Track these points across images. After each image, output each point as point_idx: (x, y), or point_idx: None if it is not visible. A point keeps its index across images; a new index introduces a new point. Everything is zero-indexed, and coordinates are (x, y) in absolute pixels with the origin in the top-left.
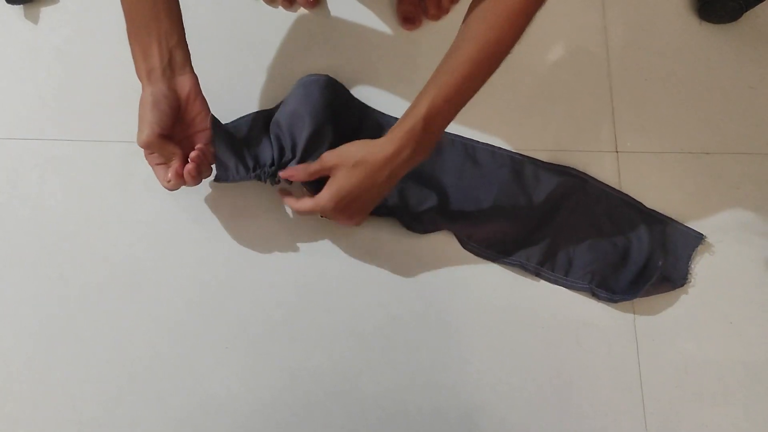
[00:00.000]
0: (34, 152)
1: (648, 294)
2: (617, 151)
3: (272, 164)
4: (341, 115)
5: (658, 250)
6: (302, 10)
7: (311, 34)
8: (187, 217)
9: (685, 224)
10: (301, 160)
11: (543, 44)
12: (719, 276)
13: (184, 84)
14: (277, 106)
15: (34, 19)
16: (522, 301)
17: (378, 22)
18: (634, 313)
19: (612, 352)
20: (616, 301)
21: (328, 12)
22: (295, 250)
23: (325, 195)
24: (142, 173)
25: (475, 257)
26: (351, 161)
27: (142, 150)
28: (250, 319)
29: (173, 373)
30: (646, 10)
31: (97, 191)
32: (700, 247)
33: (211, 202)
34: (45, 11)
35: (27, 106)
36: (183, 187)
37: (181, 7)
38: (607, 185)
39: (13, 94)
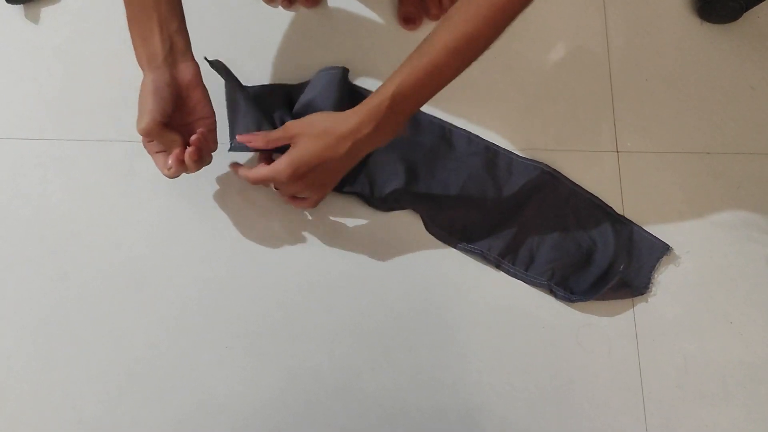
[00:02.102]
0: (35, 152)
1: (606, 298)
2: (617, 151)
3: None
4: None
5: (622, 255)
6: (302, 10)
7: (311, 34)
8: (188, 216)
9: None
10: None
11: (544, 44)
12: (719, 276)
13: (185, 71)
14: (298, 85)
15: (35, 19)
16: (522, 301)
17: (378, 22)
18: (634, 313)
19: (612, 352)
20: (573, 301)
21: (329, 12)
22: (296, 249)
23: (283, 161)
24: (143, 172)
25: (475, 257)
26: (314, 130)
27: (143, 150)
28: (251, 319)
29: (174, 372)
30: (647, 10)
31: (99, 191)
32: (665, 258)
33: (212, 201)
34: (45, 11)
35: (28, 106)
36: (181, 187)
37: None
38: (578, 185)
39: (13, 94)
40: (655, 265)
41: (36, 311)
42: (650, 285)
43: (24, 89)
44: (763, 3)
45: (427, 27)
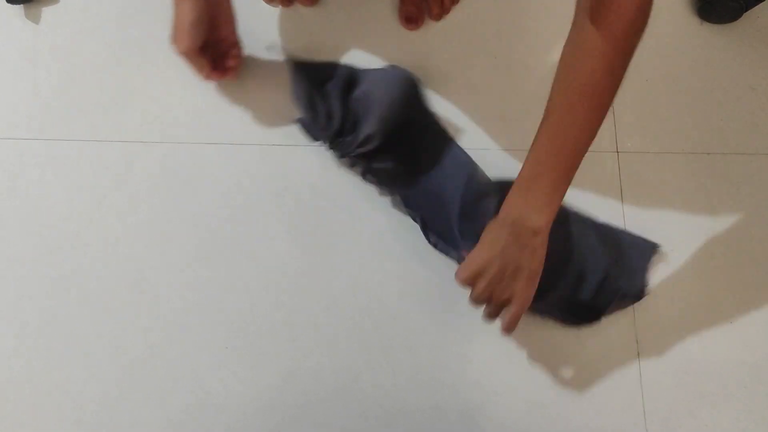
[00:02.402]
0: (33, 152)
1: (611, 312)
2: (617, 151)
3: (338, 134)
4: (409, 117)
5: (613, 265)
6: (302, 9)
7: (311, 34)
8: (187, 216)
9: (641, 235)
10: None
11: (544, 44)
12: (719, 276)
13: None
14: (356, 73)
15: (35, 19)
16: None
17: (379, 22)
18: (634, 313)
19: (612, 352)
20: (592, 323)
21: (329, 11)
22: (295, 249)
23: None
24: (142, 173)
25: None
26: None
27: (140, 150)
28: (250, 319)
29: (173, 372)
30: None
31: (97, 191)
32: (654, 258)
33: (210, 201)
34: (45, 11)
35: (27, 106)
36: (181, 187)
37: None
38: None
39: (13, 94)
40: (647, 269)
41: (35, 311)
42: (646, 289)
43: (24, 89)
44: (763, 3)
45: (428, 27)
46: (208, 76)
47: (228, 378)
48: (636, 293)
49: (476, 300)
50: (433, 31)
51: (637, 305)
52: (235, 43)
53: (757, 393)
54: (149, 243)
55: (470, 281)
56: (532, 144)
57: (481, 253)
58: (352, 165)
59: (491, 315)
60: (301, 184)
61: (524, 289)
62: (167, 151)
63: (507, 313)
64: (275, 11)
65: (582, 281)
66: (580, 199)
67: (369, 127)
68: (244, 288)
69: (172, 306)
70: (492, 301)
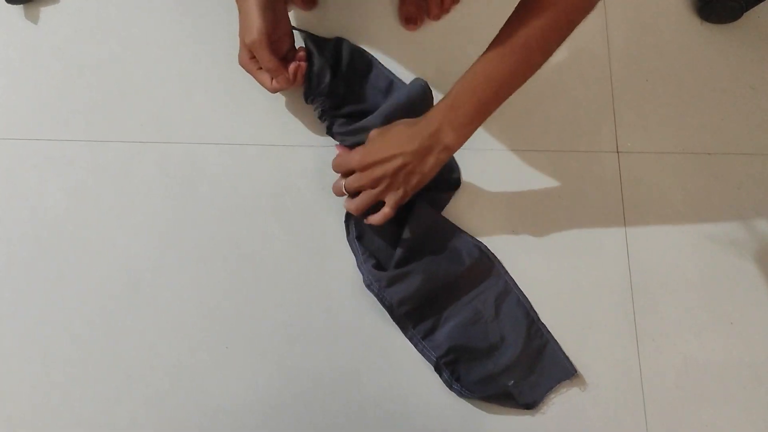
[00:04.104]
0: (33, 152)
1: (488, 401)
2: (618, 152)
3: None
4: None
5: (522, 365)
6: (303, 12)
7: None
8: (187, 217)
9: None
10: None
11: None
12: (719, 276)
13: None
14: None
15: (34, 19)
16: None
17: (379, 22)
18: (634, 313)
19: (612, 352)
20: (451, 389)
21: (329, 12)
22: (295, 250)
23: (355, 150)
24: (141, 173)
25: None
26: (387, 130)
27: (139, 150)
28: (250, 319)
29: (173, 372)
30: (647, 10)
31: (97, 191)
32: (568, 382)
33: (210, 201)
34: (45, 11)
35: (27, 106)
36: (180, 187)
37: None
38: (512, 278)
39: (12, 94)
40: (553, 387)
41: (35, 312)
42: (541, 404)
43: (23, 89)
44: (763, 3)
45: (428, 27)
46: (276, 76)
47: (228, 378)
48: (527, 402)
49: (359, 185)
50: (433, 31)
51: (637, 305)
52: (293, 46)
53: (757, 393)
54: (148, 243)
55: (368, 167)
56: (469, 69)
57: (390, 146)
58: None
59: (361, 207)
60: (300, 184)
61: (407, 194)
62: (166, 151)
63: (383, 210)
64: None
65: (490, 355)
66: (580, 198)
67: (371, 121)
68: (244, 288)
69: (172, 306)
70: (372, 194)
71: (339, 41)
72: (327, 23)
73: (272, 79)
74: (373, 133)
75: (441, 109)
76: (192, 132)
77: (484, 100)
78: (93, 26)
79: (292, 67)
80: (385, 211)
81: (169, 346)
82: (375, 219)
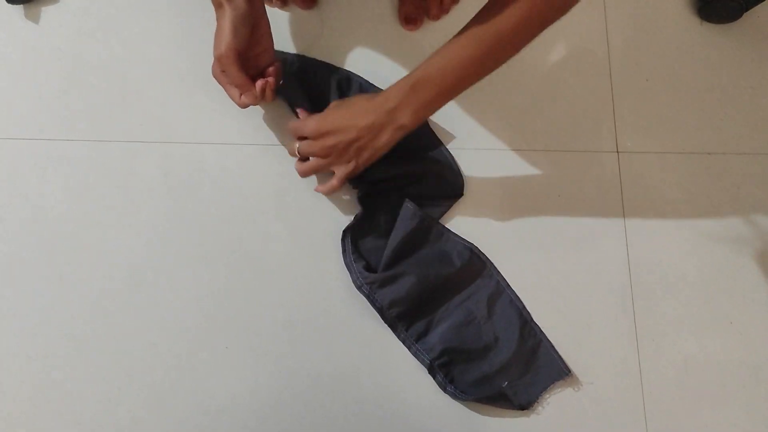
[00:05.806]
0: (33, 152)
1: (483, 403)
2: (618, 151)
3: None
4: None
5: (517, 365)
6: (299, 11)
7: (310, 35)
8: (187, 217)
9: (559, 353)
10: None
11: (544, 44)
12: (719, 276)
13: (258, 2)
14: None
15: (35, 19)
16: (523, 303)
17: (378, 22)
18: (634, 313)
19: (612, 352)
20: (446, 392)
21: (328, 12)
22: (295, 251)
23: (311, 117)
24: (142, 173)
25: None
26: (345, 102)
27: (140, 150)
28: (250, 319)
29: (173, 372)
30: (647, 10)
31: (97, 191)
32: (562, 382)
33: (210, 201)
34: (45, 11)
35: (27, 106)
36: (181, 187)
37: (174, 12)
38: (504, 279)
39: (13, 94)
40: (547, 387)
41: (35, 311)
42: (535, 404)
43: (23, 89)
44: (763, 3)
45: (428, 27)
46: (244, 91)
47: (228, 378)
48: (522, 403)
49: (311, 152)
50: (432, 31)
51: (637, 305)
52: (272, 63)
53: (758, 393)
54: (149, 243)
55: (321, 135)
56: (437, 51)
57: (346, 117)
58: None
59: (308, 172)
60: (300, 184)
61: (357, 167)
62: (167, 151)
63: (331, 181)
64: (275, 12)
65: (484, 356)
66: (580, 198)
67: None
68: (244, 288)
69: (173, 306)
70: (321, 163)
71: (303, 59)
72: (327, 23)
73: (240, 94)
74: (334, 103)
75: (402, 87)
76: (192, 132)
77: (447, 86)
78: (93, 26)
79: (259, 83)
80: (333, 183)
81: (170, 346)
82: (322, 189)
